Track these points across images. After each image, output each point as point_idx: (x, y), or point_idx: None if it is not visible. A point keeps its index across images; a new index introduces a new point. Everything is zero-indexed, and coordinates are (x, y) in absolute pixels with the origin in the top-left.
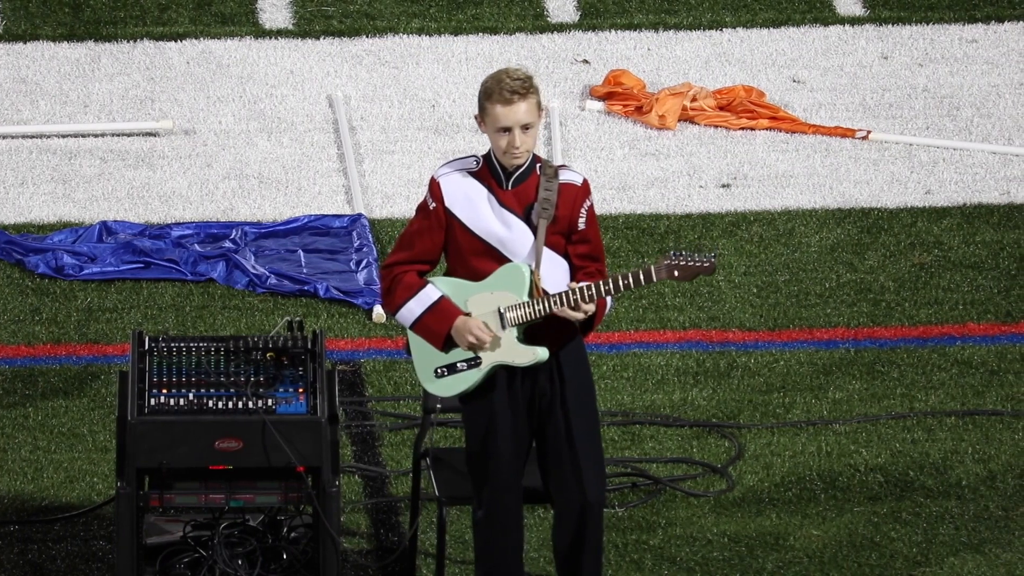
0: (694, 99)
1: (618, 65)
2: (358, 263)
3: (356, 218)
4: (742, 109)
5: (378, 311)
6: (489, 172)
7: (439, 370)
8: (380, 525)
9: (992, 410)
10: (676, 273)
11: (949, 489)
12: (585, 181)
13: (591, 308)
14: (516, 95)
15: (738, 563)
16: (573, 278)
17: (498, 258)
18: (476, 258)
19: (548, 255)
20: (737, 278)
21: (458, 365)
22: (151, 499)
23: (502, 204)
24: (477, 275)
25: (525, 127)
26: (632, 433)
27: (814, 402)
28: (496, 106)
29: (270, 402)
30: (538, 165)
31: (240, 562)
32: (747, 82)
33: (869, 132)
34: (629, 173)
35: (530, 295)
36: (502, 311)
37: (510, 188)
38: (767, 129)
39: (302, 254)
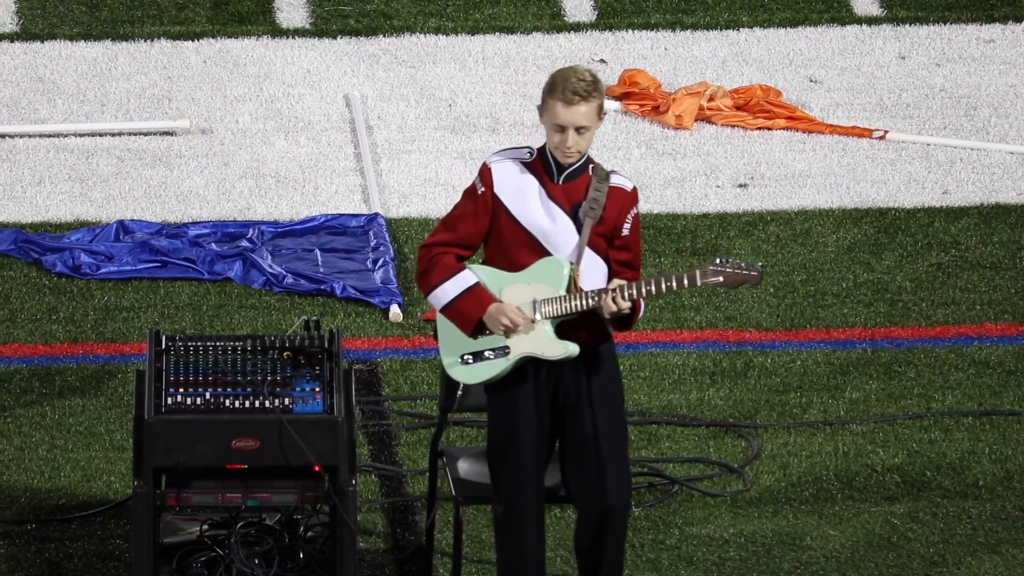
0: (711, 99)
1: (635, 65)
2: (375, 262)
3: (373, 217)
4: (759, 109)
5: (395, 310)
6: (542, 164)
7: (465, 356)
8: (397, 524)
9: (1009, 410)
10: (721, 279)
11: (966, 489)
12: (635, 188)
13: (627, 307)
14: (578, 97)
15: (755, 563)
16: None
17: (539, 251)
18: (517, 249)
19: (589, 254)
20: None
21: (486, 353)
22: (168, 498)
23: (550, 197)
24: (516, 266)
25: (580, 129)
26: (649, 433)
27: (831, 402)
28: (557, 103)
29: (287, 401)
30: (591, 167)
31: (257, 561)
32: (764, 82)
33: (886, 132)
34: (646, 173)
35: (567, 290)
36: (537, 303)
37: (560, 183)
38: (784, 129)
39: (319, 253)
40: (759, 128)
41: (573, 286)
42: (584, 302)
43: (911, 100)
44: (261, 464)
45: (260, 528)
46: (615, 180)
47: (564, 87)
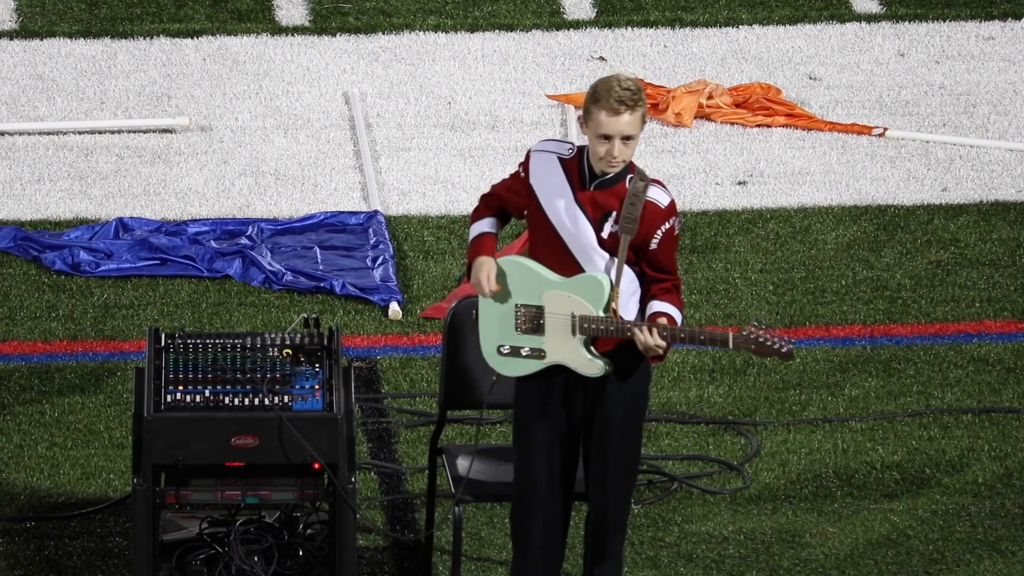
0: (710, 96)
1: (634, 62)
2: (374, 260)
3: (372, 215)
4: (758, 106)
5: (394, 308)
6: (577, 165)
7: (502, 348)
8: (396, 522)
9: (1009, 407)
10: (752, 347)
11: (965, 486)
12: (671, 204)
13: (662, 344)
14: (623, 106)
15: (754, 560)
16: (645, 291)
17: (561, 246)
18: (546, 240)
19: (625, 271)
20: (753, 275)
21: (522, 350)
22: (167, 496)
23: (576, 201)
24: (544, 258)
25: (626, 138)
26: (648, 430)
27: (830, 399)
28: (601, 113)
29: (286, 399)
30: (630, 176)
31: (256, 559)
32: (763, 79)
33: (886, 129)
34: (645, 170)
35: (605, 311)
36: (576, 318)
37: (591, 188)
38: (783, 126)
39: (318, 251)
40: (758, 125)
41: (610, 307)
42: (620, 330)
43: (910, 97)
44: (260, 462)
45: (259, 526)
46: (652, 194)
47: (608, 96)
